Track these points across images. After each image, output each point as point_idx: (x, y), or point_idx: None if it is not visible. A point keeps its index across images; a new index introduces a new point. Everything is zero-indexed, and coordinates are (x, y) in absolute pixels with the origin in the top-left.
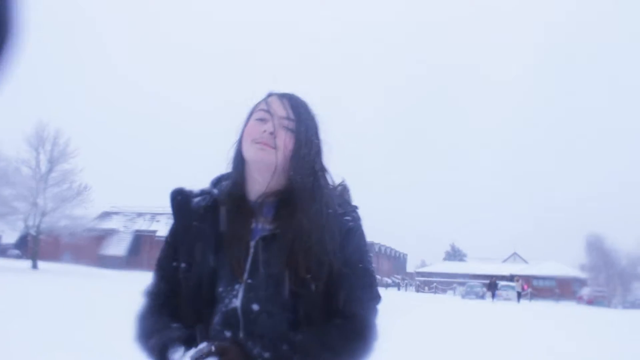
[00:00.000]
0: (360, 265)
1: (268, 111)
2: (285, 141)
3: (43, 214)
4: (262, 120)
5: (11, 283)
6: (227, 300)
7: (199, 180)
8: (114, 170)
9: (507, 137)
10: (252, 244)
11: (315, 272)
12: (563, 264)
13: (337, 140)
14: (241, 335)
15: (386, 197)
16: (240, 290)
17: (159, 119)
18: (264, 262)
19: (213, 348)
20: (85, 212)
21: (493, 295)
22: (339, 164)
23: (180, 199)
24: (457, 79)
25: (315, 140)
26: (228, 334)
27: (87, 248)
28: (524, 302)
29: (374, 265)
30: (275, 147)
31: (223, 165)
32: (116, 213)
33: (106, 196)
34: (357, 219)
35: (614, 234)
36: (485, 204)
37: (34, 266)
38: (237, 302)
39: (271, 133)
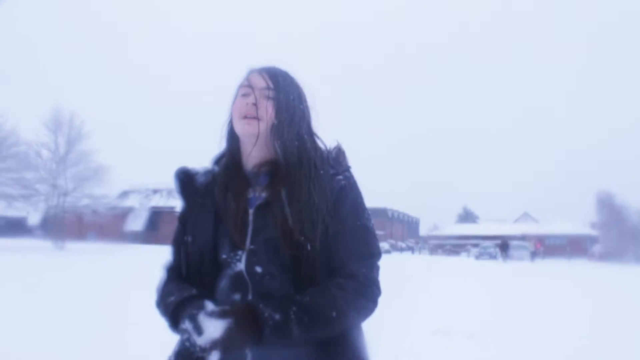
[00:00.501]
0: (358, 223)
1: (249, 86)
2: (267, 110)
3: (65, 194)
4: (245, 95)
5: (38, 262)
6: (232, 265)
7: (211, 155)
8: (130, 150)
9: (516, 97)
10: (251, 211)
11: (309, 233)
12: (574, 222)
13: (348, 101)
14: (250, 296)
15: (397, 163)
16: (243, 256)
17: (173, 99)
18: (262, 228)
19: (228, 309)
20: (105, 191)
21: (505, 256)
22: (344, 127)
23: (184, 178)
24: (469, 38)
25: (299, 105)
26: (237, 296)
27: (108, 226)
28: (537, 261)
29: (387, 229)
30: (258, 118)
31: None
32: (133, 191)
33: (124, 175)
34: (349, 178)
35: (624, 191)
36: (496, 166)
37: (59, 246)
38: (241, 266)
39: (253, 104)
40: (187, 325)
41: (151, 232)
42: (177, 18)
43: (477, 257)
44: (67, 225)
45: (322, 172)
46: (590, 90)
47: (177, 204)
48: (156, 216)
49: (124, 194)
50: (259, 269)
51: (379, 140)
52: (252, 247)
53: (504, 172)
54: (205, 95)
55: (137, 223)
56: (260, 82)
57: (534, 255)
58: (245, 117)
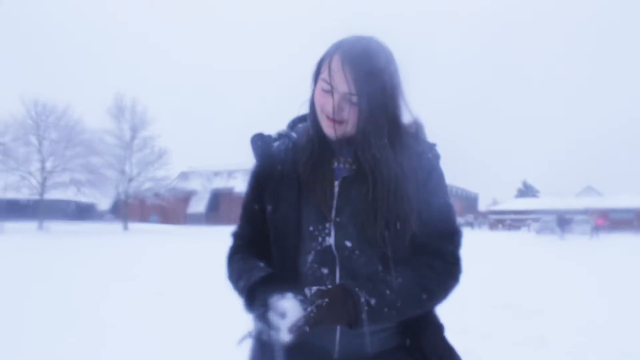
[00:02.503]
0: (442, 201)
1: (330, 84)
2: (350, 116)
3: (130, 180)
4: (326, 91)
5: (107, 242)
6: (320, 239)
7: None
8: (189, 133)
9: (577, 68)
10: (337, 183)
11: (399, 211)
12: None
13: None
14: (338, 271)
15: (454, 136)
16: (331, 229)
17: (228, 81)
18: (349, 200)
19: (324, 290)
20: (166, 174)
21: (562, 231)
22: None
23: (261, 144)
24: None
25: (387, 99)
26: (325, 270)
27: (170, 208)
28: (599, 237)
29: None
30: (341, 122)
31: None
32: (193, 172)
33: (184, 158)
34: (437, 157)
35: None
36: (556, 137)
37: (125, 227)
38: (330, 240)
39: (335, 109)
40: (264, 310)
41: (213, 213)
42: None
43: (538, 232)
44: (131, 208)
45: (409, 151)
46: None
47: (236, 184)
48: (217, 198)
49: (183, 175)
50: (348, 244)
51: (435, 113)
52: (338, 219)
53: (566, 144)
54: (262, 76)
55: (198, 205)
56: (341, 84)
57: (595, 230)
58: (327, 118)
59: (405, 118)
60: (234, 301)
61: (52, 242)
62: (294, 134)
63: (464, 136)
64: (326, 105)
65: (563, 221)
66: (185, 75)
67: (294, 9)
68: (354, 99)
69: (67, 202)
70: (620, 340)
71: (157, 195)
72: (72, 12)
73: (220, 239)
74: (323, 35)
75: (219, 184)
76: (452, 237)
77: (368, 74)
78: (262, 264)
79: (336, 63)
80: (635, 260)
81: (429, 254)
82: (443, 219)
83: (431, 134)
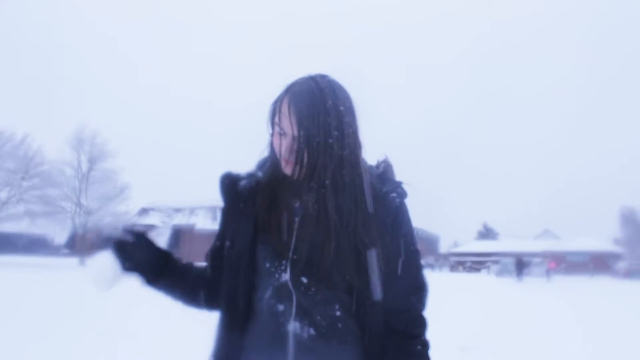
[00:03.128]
0: (412, 248)
1: (281, 127)
2: (301, 157)
3: (88, 213)
4: (278, 133)
5: (59, 278)
6: (277, 275)
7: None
8: (149, 169)
9: (536, 114)
10: (296, 220)
11: (356, 253)
12: (597, 238)
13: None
14: (294, 307)
15: (415, 179)
16: (287, 265)
17: (189, 119)
18: (307, 239)
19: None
20: (126, 209)
21: (520, 274)
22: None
23: (228, 182)
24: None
25: (332, 140)
26: (281, 307)
27: None
28: (552, 279)
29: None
30: (293, 162)
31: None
32: (153, 209)
33: (143, 193)
34: (402, 195)
35: None
36: (516, 182)
37: (81, 262)
38: (286, 276)
39: (285, 151)
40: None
41: (173, 250)
42: (189, 35)
43: (498, 274)
44: (90, 243)
45: (374, 191)
46: (610, 100)
47: (197, 221)
48: (178, 234)
49: (144, 212)
50: (304, 280)
51: (396, 155)
52: (295, 257)
53: (525, 188)
54: (228, 114)
55: (158, 241)
56: (288, 126)
57: (548, 273)
58: (282, 159)
59: (371, 158)
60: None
61: (7, 275)
62: (260, 174)
63: (426, 178)
64: (279, 147)
65: (521, 264)
66: (149, 109)
67: (268, 48)
68: (303, 141)
69: (18, 235)
70: None
71: (117, 230)
72: (32, 35)
73: None
74: (292, 77)
75: (181, 220)
76: (420, 294)
77: (310, 116)
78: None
79: (284, 105)
80: (590, 302)
81: (395, 312)
82: (411, 271)
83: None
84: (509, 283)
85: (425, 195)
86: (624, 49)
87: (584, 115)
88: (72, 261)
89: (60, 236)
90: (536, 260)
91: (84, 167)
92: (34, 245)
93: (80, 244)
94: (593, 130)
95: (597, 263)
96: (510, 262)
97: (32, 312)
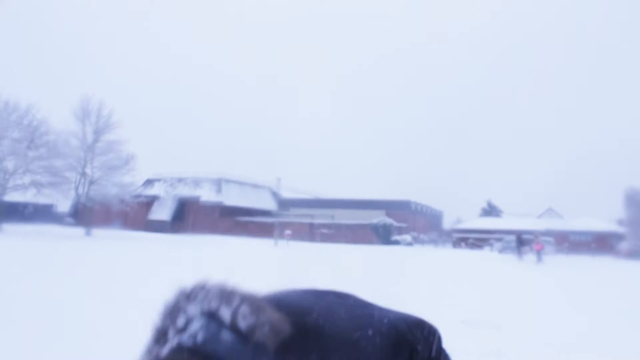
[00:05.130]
0: None
1: None
2: None
3: (91, 182)
4: None
5: (70, 249)
6: None
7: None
8: (156, 139)
9: (542, 87)
10: None
11: None
12: (600, 218)
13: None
14: None
15: (420, 156)
16: None
17: (199, 89)
18: None
19: None
20: (132, 180)
21: (520, 252)
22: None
23: None
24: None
25: None
26: None
27: (135, 214)
28: (556, 259)
29: (409, 222)
30: None
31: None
32: (158, 180)
33: (148, 164)
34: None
35: None
36: (521, 159)
37: (88, 233)
38: None
39: None
40: None
41: (177, 222)
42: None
43: (501, 251)
44: (94, 213)
45: None
46: (621, 77)
47: (202, 193)
48: (182, 206)
49: (149, 183)
50: None
51: (403, 132)
52: None
53: (529, 166)
54: (231, 83)
55: (163, 212)
56: None
57: (539, 254)
58: None
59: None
60: None
61: (21, 244)
62: None
63: (431, 154)
64: None
65: (521, 241)
66: (156, 78)
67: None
68: None
69: (24, 204)
70: (573, 354)
71: (121, 201)
72: (38, 8)
73: (201, 244)
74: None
75: (185, 191)
76: None
77: None
78: None
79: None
80: (589, 280)
81: None
82: None
83: (394, 152)
84: (511, 260)
85: (430, 171)
86: (636, 21)
87: (588, 90)
88: (78, 231)
89: (63, 205)
90: (542, 238)
91: (89, 138)
92: (39, 214)
93: (85, 214)
94: (598, 107)
95: (600, 243)
96: (513, 239)
97: (41, 282)
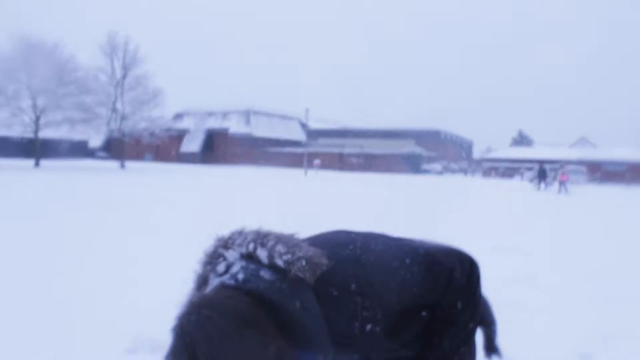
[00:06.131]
0: None
1: None
2: None
3: (123, 118)
4: None
5: (110, 181)
6: None
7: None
8: (183, 75)
9: (575, 18)
10: None
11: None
12: (635, 149)
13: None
14: None
15: (452, 84)
16: None
17: (225, 24)
18: None
19: None
20: (161, 114)
21: (541, 183)
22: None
23: None
24: None
25: None
26: None
27: (166, 147)
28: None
29: (439, 151)
30: None
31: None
32: (188, 113)
33: (178, 99)
34: None
35: None
36: (553, 88)
37: (122, 166)
38: None
39: None
40: None
41: (208, 153)
42: None
43: (531, 180)
44: (126, 147)
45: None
46: None
47: (231, 125)
48: (212, 138)
49: (178, 116)
50: None
51: (435, 59)
52: None
53: (562, 94)
54: (255, 17)
55: (193, 144)
56: None
57: (562, 185)
58: None
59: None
60: None
61: (67, 178)
62: None
63: (462, 83)
64: None
65: (543, 172)
66: (181, 13)
67: None
68: None
69: (59, 141)
70: (603, 279)
71: (152, 134)
72: None
73: (234, 174)
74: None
75: (214, 124)
76: None
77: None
78: None
79: None
80: (621, 211)
81: None
82: None
83: (425, 78)
84: (541, 189)
85: (461, 100)
86: None
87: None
88: (113, 164)
89: (96, 140)
90: (570, 167)
91: (118, 73)
92: (74, 149)
93: (117, 149)
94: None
95: (635, 173)
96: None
97: (80, 210)
